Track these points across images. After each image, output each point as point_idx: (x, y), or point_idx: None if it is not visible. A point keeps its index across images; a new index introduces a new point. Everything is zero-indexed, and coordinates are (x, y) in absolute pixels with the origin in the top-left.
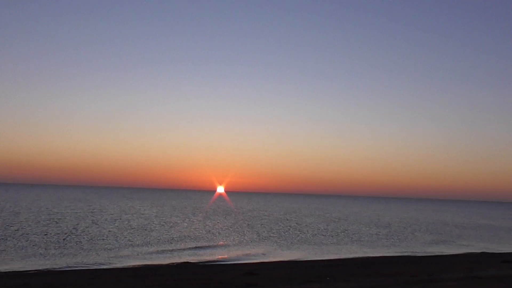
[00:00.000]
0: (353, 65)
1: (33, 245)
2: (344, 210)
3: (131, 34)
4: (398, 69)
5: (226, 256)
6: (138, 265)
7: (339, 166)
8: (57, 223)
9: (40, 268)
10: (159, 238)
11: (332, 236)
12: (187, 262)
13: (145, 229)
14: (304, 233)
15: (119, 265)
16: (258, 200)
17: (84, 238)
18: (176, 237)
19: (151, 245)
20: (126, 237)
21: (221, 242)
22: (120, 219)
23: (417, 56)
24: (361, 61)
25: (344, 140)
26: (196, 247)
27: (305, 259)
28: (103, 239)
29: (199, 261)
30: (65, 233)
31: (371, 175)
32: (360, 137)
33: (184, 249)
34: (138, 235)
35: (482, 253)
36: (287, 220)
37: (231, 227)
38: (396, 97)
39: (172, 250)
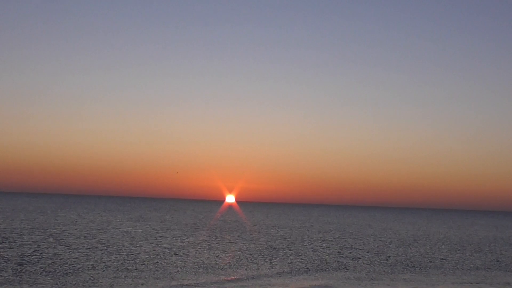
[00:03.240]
0: (387, 57)
1: None
2: (415, 226)
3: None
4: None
5: None
6: None
7: (385, 169)
8: (10, 243)
9: None
10: (148, 265)
11: (413, 266)
12: None
13: (130, 253)
14: (356, 258)
15: None
16: (280, 212)
17: (48, 263)
18: (172, 264)
19: (138, 275)
20: (104, 263)
21: (233, 271)
22: (94, 237)
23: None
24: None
25: (389, 135)
26: (198, 278)
27: None
28: (74, 265)
29: None
30: (22, 257)
31: (424, 180)
32: (408, 130)
33: (183, 280)
34: (119, 260)
35: None
36: (329, 241)
37: (246, 250)
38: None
39: (169, 282)
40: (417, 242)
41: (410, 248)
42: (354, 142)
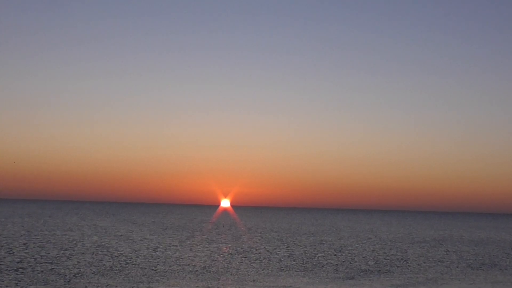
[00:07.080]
0: (394, 56)
1: None
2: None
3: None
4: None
5: None
6: None
7: (381, 172)
8: (8, 248)
9: None
10: (145, 269)
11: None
12: None
13: (128, 257)
14: (354, 261)
15: None
16: (275, 216)
17: (47, 268)
18: (168, 268)
19: (136, 278)
20: (102, 267)
21: (229, 274)
22: (93, 241)
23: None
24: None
25: (391, 135)
26: (195, 282)
27: None
28: (73, 269)
29: None
30: (21, 261)
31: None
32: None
33: (181, 283)
34: (118, 264)
35: None
36: (324, 243)
37: (241, 254)
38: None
39: (167, 285)
40: (412, 244)
41: (405, 249)
42: (350, 146)
